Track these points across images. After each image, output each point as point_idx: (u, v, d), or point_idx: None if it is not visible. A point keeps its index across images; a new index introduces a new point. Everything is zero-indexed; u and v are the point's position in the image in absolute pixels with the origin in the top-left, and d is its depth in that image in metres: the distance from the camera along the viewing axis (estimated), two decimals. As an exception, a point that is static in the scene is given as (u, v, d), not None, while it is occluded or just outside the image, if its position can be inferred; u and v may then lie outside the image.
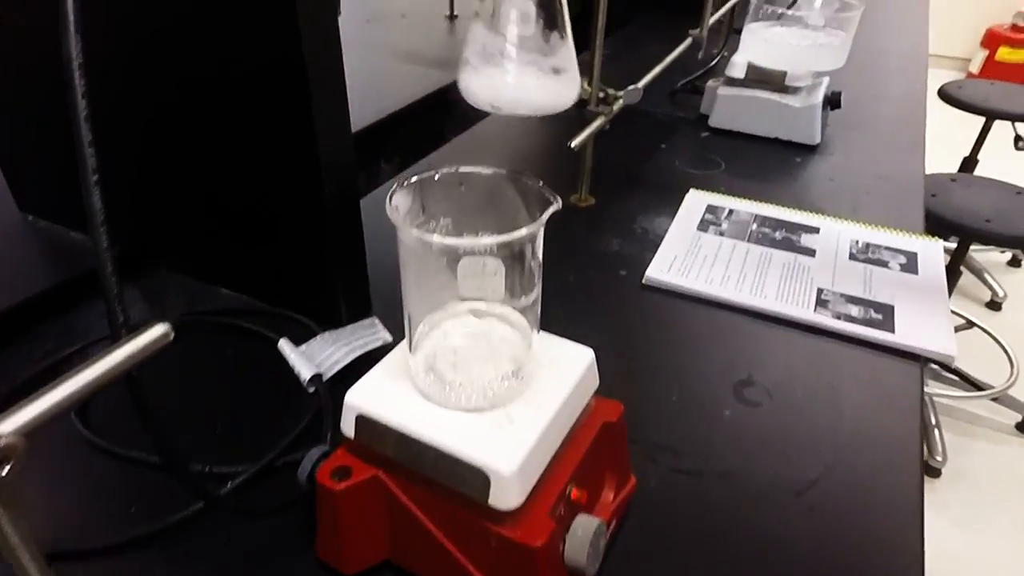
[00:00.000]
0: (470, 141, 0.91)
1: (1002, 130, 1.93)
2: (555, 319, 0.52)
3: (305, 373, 0.47)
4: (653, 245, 0.68)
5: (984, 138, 1.96)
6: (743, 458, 0.46)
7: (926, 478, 1.55)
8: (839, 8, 0.91)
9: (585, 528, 0.33)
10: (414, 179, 0.30)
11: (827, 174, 0.85)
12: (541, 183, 0.30)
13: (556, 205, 0.30)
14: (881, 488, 0.44)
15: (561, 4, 0.37)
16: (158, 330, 0.23)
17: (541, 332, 0.37)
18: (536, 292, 0.32)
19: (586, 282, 0.64)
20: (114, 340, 0.24)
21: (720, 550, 0.40)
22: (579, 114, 0.74)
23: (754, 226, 0.72)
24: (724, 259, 0.66)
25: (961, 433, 1.66)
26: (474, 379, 0.32)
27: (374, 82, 1.01)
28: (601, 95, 0.69)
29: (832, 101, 0.91)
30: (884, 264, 0.66)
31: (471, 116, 0.97)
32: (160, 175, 0.56)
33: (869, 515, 0.42)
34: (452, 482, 0.31)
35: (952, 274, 1.64)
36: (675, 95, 1.04)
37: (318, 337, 0.51)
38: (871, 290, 0.62)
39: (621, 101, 0.70)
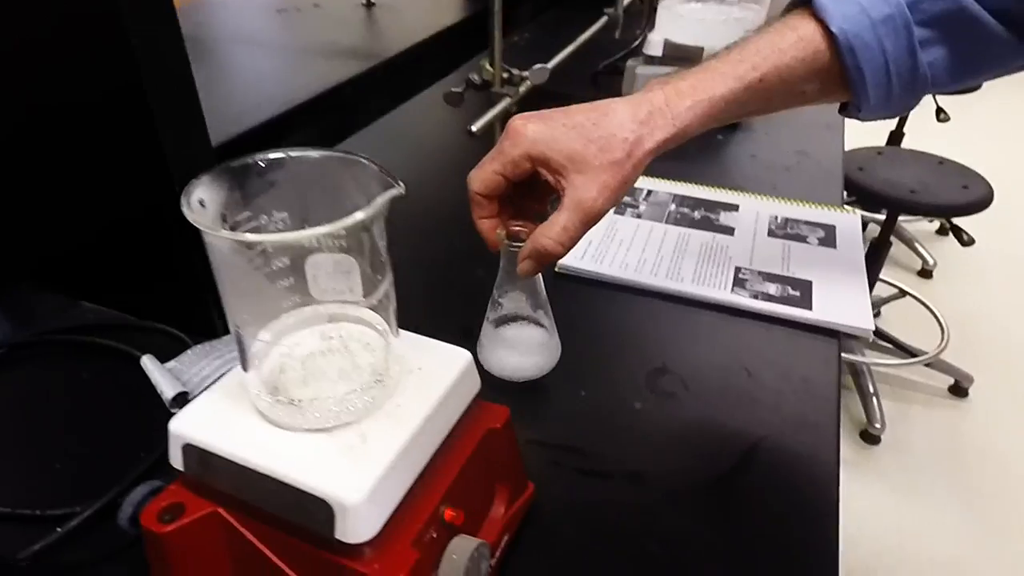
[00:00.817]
0: (380, 131, 0.86)
1: (925, 102, 1.97)
2: (463, 316, 0.48)
3: (168, 392, 0.42)
4: (568, 231, 0.64)
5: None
6: (655, 455, 0.43)
7: (867, 446, 1.58)
8: (755, -18, 0.89)
9: (461, 551, 0.29)
10: (226, 166, 0.26)
11: (749, 151, 0.84)
12: (379, 165, 0.26)
13: (398, 189, 0.26)
14: (798, 476, 0.42)
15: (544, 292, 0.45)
16: None
17: (411, 334, 0.33)
18: (385, 287, 0.28)
19: (496, 274, 0.60)
20: None
21: (629, 556, 0.37)
22: (488, 97, 0.70)
23: (672, 206, 0.69)
24: (641, 243, 0.63)
25: (898, 400, 1.70)
26: (325, 394, 0.28)
27: (284, 72, 0.95)
28: (506, 76, 0.66)
29: (750, 76, 0.89)
30: (803, 239, 0.64)
31: (383, 106, 0.92)
32: (11, 189, 0.49)
33: (785, 508, 0.40)
34: (295, 516, 0.26)
35: (883, 245, 1.66)
36: (597, 78, 1.01)
37: (189, 351, 0.46)
38: (789, 266, 0.60)
39: (528, 82, 0.66)
